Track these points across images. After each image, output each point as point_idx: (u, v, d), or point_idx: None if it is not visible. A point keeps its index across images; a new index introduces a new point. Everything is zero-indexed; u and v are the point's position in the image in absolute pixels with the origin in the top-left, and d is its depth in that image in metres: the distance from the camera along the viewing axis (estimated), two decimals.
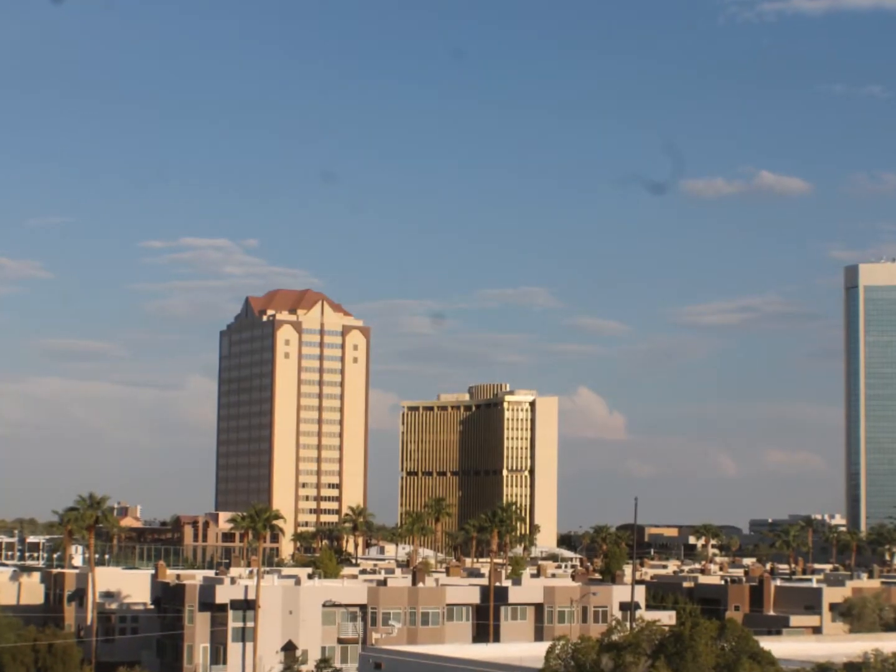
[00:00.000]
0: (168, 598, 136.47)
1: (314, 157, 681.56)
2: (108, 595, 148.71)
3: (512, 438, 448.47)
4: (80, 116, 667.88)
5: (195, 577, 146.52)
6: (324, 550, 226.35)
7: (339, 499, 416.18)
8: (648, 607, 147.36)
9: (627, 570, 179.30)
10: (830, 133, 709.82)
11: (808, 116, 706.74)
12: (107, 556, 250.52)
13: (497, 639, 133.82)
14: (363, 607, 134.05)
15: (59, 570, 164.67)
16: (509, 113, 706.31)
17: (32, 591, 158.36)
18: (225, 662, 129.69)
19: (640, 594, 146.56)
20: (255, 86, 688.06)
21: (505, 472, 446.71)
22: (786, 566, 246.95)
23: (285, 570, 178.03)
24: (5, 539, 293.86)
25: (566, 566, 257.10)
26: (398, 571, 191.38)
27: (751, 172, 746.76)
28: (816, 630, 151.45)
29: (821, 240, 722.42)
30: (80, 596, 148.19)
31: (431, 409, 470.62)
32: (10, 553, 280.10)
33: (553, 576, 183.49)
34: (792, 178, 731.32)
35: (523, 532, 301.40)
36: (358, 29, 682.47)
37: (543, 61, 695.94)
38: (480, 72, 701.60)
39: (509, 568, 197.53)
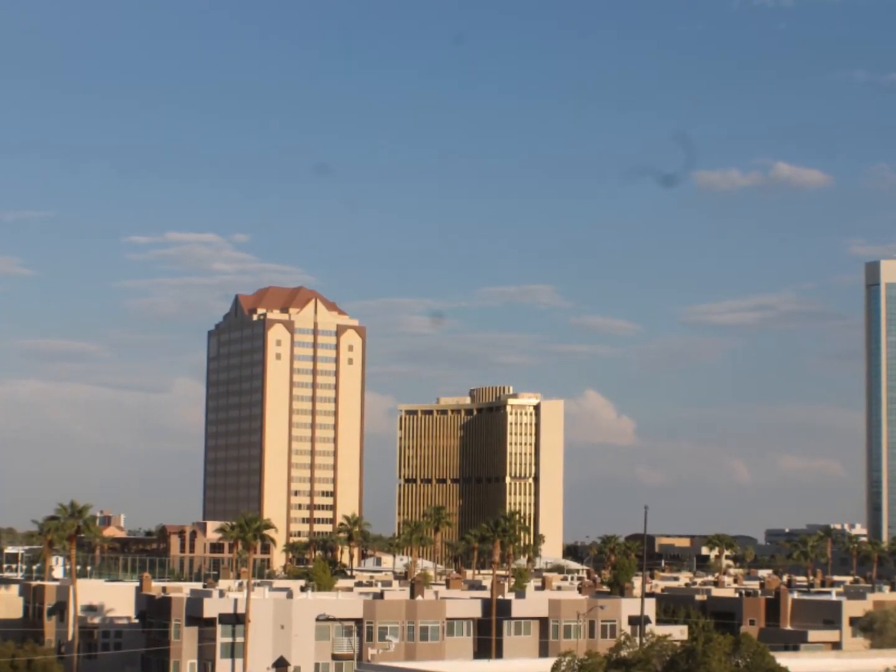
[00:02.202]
0: (153, 611, 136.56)
1: (308, 148, 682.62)
2: (91, 609, 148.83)
3: (515, 444, 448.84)
4: (60, 105, 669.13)
5: (182, 590, 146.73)
6: (317, 562, 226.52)
7: (333, 507, 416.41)
8: (659, 622, 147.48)
9: (637, 582, 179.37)
10: (851, 122, 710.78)
11: (827, 105, 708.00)
12: (89, 568, 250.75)
13: (499, 655, 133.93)
14: (359, 622, 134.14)
15: (38, 582, 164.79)
16: (512, 103, 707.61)
17: (11, 604, 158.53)
18: None
19: (651, 608, 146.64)
20: (247, 73, 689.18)
21: (508, 480, 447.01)
22: (803, 578, 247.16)
23: (277, 583, 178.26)
24: None
25: (572, 578, 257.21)
26: (395, 584, 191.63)
27: (767, 164, 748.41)
28: (836, 645, 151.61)
29: (840, 235, 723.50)
30: (60, 610, 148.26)
31: (430, 412, 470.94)
32: None
33: (558, 588, 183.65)
34: (810, 170, 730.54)
35: (527, 542, 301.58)
36: (353, 14, 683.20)
37: (548, 48, 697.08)
38: (482, 60, 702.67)
39: (512, 580, 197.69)
